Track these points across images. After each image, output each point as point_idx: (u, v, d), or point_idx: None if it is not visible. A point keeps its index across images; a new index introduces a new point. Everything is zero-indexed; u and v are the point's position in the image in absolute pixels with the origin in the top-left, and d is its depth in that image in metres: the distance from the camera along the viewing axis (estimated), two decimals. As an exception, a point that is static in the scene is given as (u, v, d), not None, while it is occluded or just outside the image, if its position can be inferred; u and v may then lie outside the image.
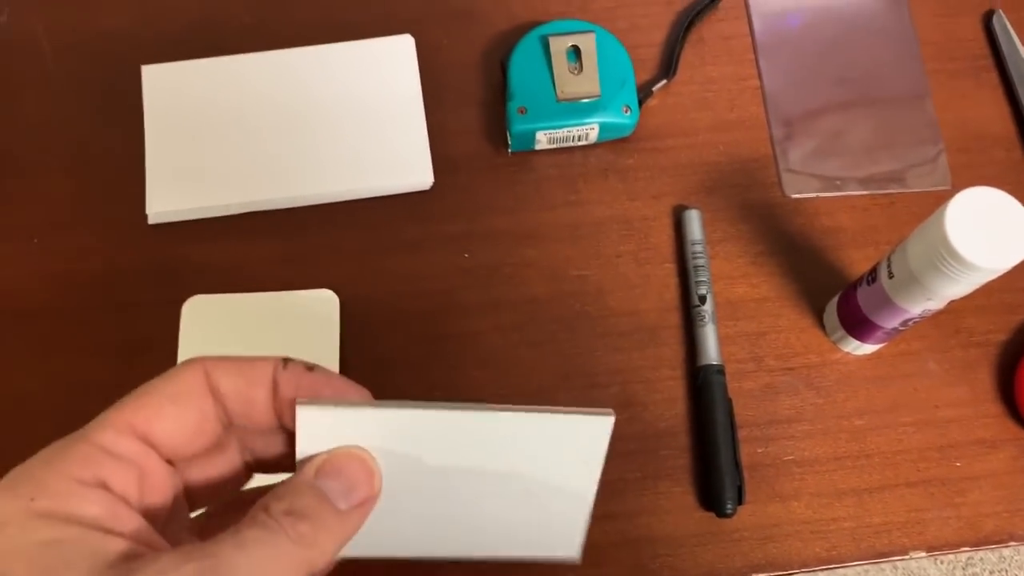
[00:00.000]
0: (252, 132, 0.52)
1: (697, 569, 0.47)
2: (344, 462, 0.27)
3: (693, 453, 0.49)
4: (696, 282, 0.51)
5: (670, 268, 0.52)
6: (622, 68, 0.53)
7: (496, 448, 0.31)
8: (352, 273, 0.51)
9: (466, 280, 0.52)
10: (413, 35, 0.56)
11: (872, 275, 0.45)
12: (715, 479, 0.47)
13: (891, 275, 0.43)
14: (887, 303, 0.44)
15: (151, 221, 0.51)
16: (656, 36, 0.57)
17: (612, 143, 0.55)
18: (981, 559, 1.38)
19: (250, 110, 0.53)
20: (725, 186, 0.54)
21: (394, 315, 0.51)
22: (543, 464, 0.32)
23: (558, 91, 0.52)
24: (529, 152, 0.54)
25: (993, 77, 0.57)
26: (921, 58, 0.57)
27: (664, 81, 0.55)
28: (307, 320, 0.48)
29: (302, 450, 0.28)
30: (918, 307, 0.43)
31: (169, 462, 0.27)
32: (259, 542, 0.24)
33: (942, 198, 0.53)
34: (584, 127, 0.52)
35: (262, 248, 0.52)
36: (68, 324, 0.50)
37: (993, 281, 0.51)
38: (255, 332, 0.48)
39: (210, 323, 0.49)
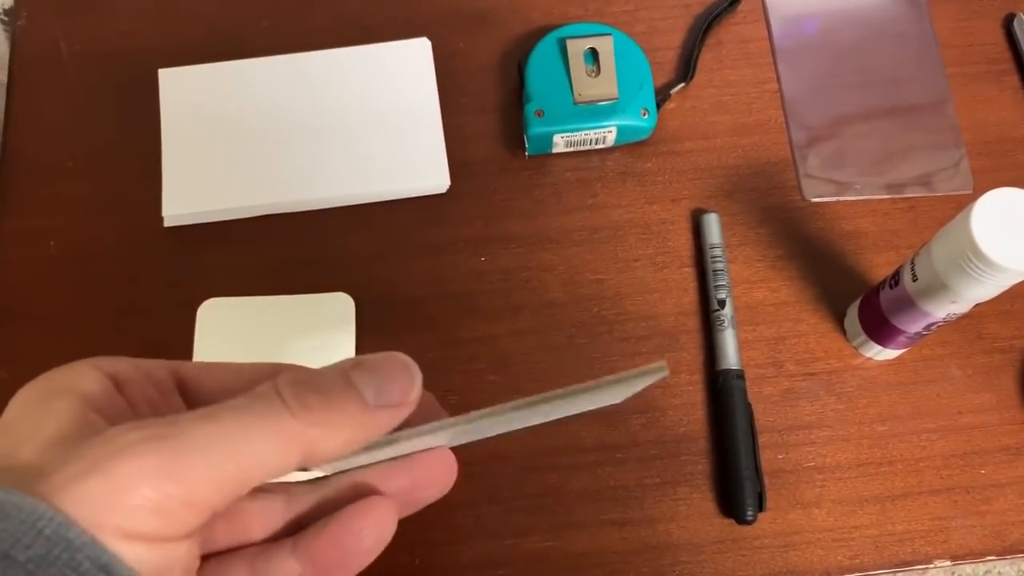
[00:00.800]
0: (268, 136, 0.52)
1: (717, 577, 0.46)
2: (384, 361, 0.25)
3: (713, 459, 0.48)
4: (715, 286, 0.50)
5: (689, 272, 0.52)
6: (640, 71, 0.53)
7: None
8: (368, 276, 0.51)
9: (483, 284, 0.51)
10: (430, 38, 0.56)
11: (895, 278, 0.44)
12: (735, 485, 0.46)
13: (915, 278, 0.42)
14: (910, 306, 0.43)
15: (167, 224, 0.51)
16: (674, 39, 0.57)
17: (630, 146, 0.54)
18: (1000, 573, 1.36)
19: (266, 114, 0.53)
20: (744, 190, 0.54)
21: (410, 319, 0.50)
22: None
23: (576, 94, 0.52)
24: (546, 156, 0.54)
25: (1014, 80, 0.57)
26: (942, 62, 0.56)
27: (682, 84, 0.55)
28: (323, 323, 0.48)
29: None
30: (942, 310, 0.42)
31: None
32: (240, 410, 0.22)
33: (964, 202, 0.53)
34: (602, 130, 0.52)
35: (278, 251, 0.52)
36: (85, 327, 0.50)
37: (1017, 286, 0.50)
38: (271, 335, 0.48)
39: (225, 326, 0.48)
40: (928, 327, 0.44)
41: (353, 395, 0.24)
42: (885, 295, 0.45)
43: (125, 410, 0.24)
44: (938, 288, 0.41)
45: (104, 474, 0.20)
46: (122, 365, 0.25)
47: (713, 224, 0.52)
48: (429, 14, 0.57)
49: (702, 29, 0.56)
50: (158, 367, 0.26)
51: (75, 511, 0.20)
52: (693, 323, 0.51)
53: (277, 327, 0.48)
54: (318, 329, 0.48)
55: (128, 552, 0.20)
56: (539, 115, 0.52)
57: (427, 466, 0.27)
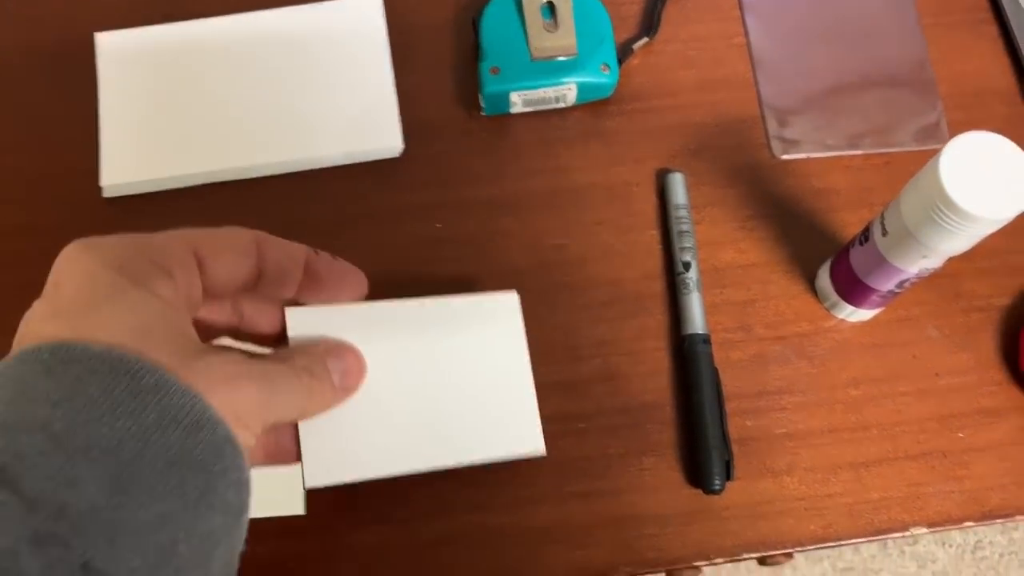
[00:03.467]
0: (211, 100, 0.50)
1: (684, 548, 0.45)
2: (345, 351, 0.35)
3: (679, 427, 0.46)
4: (680, 248, 0.48)
5: (654, 235, 0.50)
6: (600, 25, 0.50)
7: (435, 337, 0.41)
8: (318, 245, 0.49)
9: (439, 252, 0.49)
10: (381, -4, 0.53)
11: (865, 234, 0.42)
12: (702, 454, 0.44)
13: (885, 232, 0.40)
14: (881, 263, 0.41)
15: (106, 194, 0.49)
16: (635, -7, 0.54)
17: (592, 105, 0.52)
18: (991, 542, 1.35)
19: (209, 77, 0.50)
20: (711, 148, 0.51)
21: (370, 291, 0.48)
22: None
23: (532, 49, 0.49)
24: (505, 116, 0.52)
25: (992, 30, 0.54)
26: (917, 13, 0.54)
27: (645, 39, 0.52)
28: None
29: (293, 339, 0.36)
30: (914, 266, 0.40)
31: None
32: (287, 377, 0.31)
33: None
34: (561, 87, 0.50)
35: (224, 220, 0.49)
36: (19, 304, 0.47)
37: (995, 242, 0.48)
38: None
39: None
40: (901, 284, 0.42)
41: (328, 379, 0.34)
42: (855, 252, 0.43)
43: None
44: (909, 242, 0.39)
45: (228, 390, 0.28)
46: (167, 256, 0.29)
47: (678, 184, 0.50)
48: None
49: (666, -19, 0.54)
50: (184, 254, 0.30)
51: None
52: (659, 287, 0.49)
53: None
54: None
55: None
56: (494, 72, 0.49)
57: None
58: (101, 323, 0.27)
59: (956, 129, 0.52)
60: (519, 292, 0.47)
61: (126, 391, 0.25)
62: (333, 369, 0.34)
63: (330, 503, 0.45)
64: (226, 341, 0.35)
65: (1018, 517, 0.45)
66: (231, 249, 0.32)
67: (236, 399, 0.28)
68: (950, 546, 1.34)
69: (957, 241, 0.37)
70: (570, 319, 0.48)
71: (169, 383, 0.26)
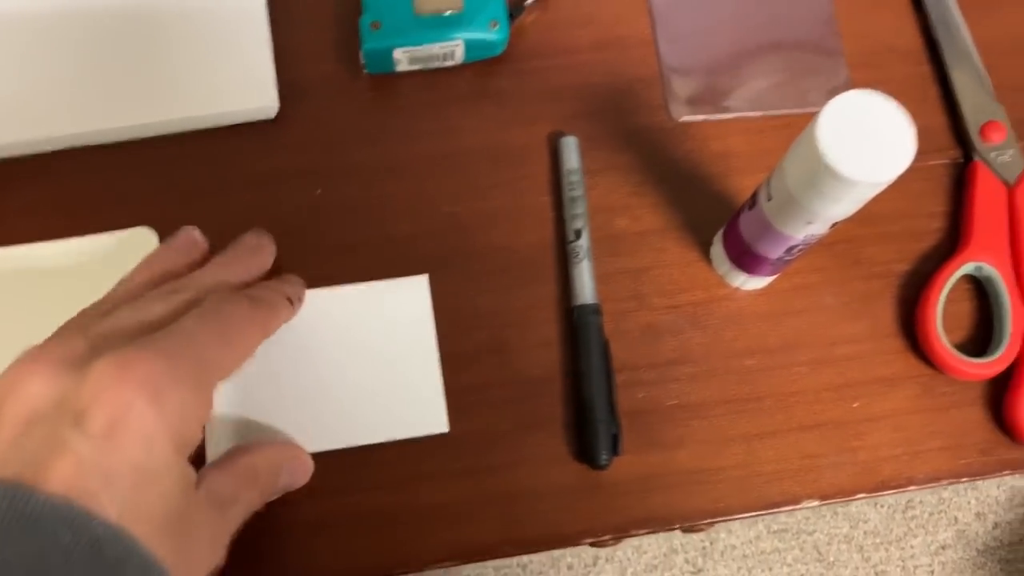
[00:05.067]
0: (56, 50, 0.46)
1: (573, 525, 0.43)
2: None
3: (569, 401, 0.44)
4: (572, 215, 0.46)
5: (547, 201, 0.48)
6: (489, -22, 0.48)
7: (345, 323, 0.44)
8: (186, 214, 0.46)
9: (319, 220, 0.46)
10: (260, -54, 0.50)
11: (753, 200, 0.40)
12: (589, 428, 0.43)
13: (770, 197, 0.38)
14: (768, 229, 0.39)
15: (-45, 159, 0.45)
16: (533, -55, 0.52)
17: (483, 64, 0.49)
18: (921, 501, 1.37)
19: (53, 26, 0.46)
20: (607, 110, 0.49)
21: (237, 259, 0.45)
22: (385, 332, 0.44)
23: (416, 3, 0.46)
24: (390, 75, 0.49)
25: (900, -14, 0.52)
26: (822, -34, 0.52)
27: (539, -6, 0.50)
28: (121, 262, 0.42)
29: None
30: (800, 232, 0.38)
31: None
32: (250, 499, 0.37)
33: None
34: (447, 44, 0.47)
35: (79, 189, 0.46)
36: None
37: (896, 206, 0.47)
38: (50, 284, 0.43)
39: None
40: (790, 251, 0.40)
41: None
42: (744, 218, 0.42)
43: None
44: (793, 207, 0.37)
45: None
46: None
47: (571, 148, 0.47)
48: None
49: (562, -67, 0.51)
50: None
51: None
52: (551, 256, 0.47)
53: (58, 274, 0.43)
54: (115, 270, 0.42)
55: None
56: (375, 27, 0.46)
57: None
58: (136, 507, 0.29)
59: (859, 87, 0.50)
60: (405, 261, 0.46)
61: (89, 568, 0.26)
62: (280, 483, 0.39)
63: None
64: None
65: (910, 488, 0.44)
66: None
67: (211, 564, 0.33)
68: (881, 506, 1.35)
69: (839, 206, 0.35)
70: (459, 288, 0.46)
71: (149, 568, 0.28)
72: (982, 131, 0.49)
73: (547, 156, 0.48)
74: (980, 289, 0.47)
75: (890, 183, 0.34)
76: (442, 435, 0.43)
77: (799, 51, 0.50)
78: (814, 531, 1.36)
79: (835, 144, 0.33)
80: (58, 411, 0.29)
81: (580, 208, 0.46)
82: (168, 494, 0.30)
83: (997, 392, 0.46)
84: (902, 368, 0.46)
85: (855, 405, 0.45)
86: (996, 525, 1.39)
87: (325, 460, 0.42)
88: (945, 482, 0.44)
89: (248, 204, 0.46)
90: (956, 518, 1.39)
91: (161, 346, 0.32)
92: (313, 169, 0.47)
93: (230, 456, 0.37)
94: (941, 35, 0.51)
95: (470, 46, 0.47)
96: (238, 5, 0.48)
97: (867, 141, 0.33)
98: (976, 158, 0.48)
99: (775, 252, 0.41)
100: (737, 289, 0.46)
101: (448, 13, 0.47)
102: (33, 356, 0.31)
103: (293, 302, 0.41)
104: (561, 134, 0.48)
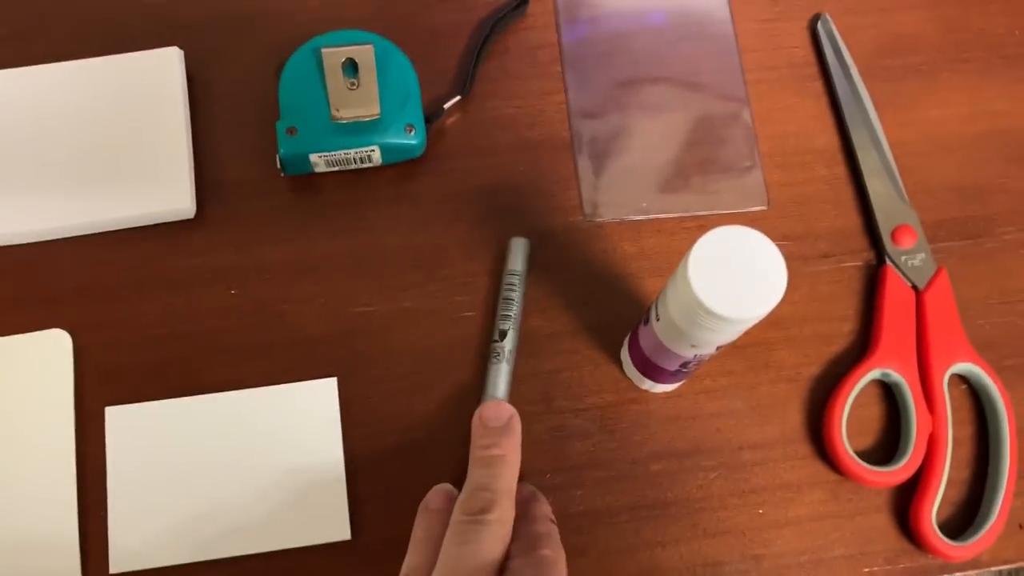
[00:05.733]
0: (-10, 159, 0.47)
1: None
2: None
3: (473, 507, 0.44)
4: (502, 315, 0.46)
5: (462, 301, 0.48)
6: (406, 84, 0.49)
7: (251, 427, 0.44)
8: (100, 315, 0.46)
9: (232, 320, 0.47)
10: (185, 46, 0.51)
11: (647, 315, 0.41)
12: (489, 538, 0.43)
13: (658, 318, 0.39)
14: (660, 346, 0.40)
15: None
16: (456, 48, 0.53)
17: (403, 165, 0.50)
18: None
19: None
20: (524, 211, 0.50)
21: (149, 362, 0.46)
22: (292, 436, 0.44)
23: (332, 110, 0.47)
24: (309, 175, 0.50)
25: (818, 86, 0.53)
26: (742, 68, 0.53)
27: (457, 97, 0.51)
28: (34, 365, 0.43)
29: (111, 448, 0.43)
30: (688, 352, 0.39)
31: None
32: None
33: (758, 218, 0.50)
34: (364, 149, 0.48)
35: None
36: None
37: (805, 310, 0.47)
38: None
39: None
40: (685, 365, 0.41)
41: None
42: (642, 331, 0.42)
43: None
44: (676, 332, 0.37)
45: None
46: None
47: (519, 249, 0.48)
48: (186, 18, 0.52)
49: (483, 36, 0.52)
50: None
51: None
52: (461, 357, 0.47)
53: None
54: (30, 372, 0.43)
55: None
56: (291, 134, 0.47)
57: None
58: None
59: (775, 189, 0.51)
60: (316, 362, 0.46)
61: None
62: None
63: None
64: None
65: (813, 597, 0.44)
66: None
67: None
68: None
69: (717, 335, 0.36)
70: (371, 390, 0.46)
71: None
72: (893, 235, 0.49)
73: (462, 256, 0.49)
74: (890, 393, 0.48)
75: (764, 317, 0.34)
76: (345, 542, 0.43)
77: (716, 153, 0.51)
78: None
79: (706, 281, 0.34)
80: None
81: (513, 310, 0.46)
82: None
83: (903, 499, 0.46)
84: (809, 474, 0.46)
85: (760, 511, 0.45)
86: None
87: (225, 568, 0.42)
88: (849, 591, 0.44)
89: (164, 305, 0.47)
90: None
91: None
92: (229, 269, 0.48)
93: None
94: (857, 137, 0.52)
95: (386, 150, 0.48)
96: (159, 108, 0.49)
97: (739, 277, 0.34)
98: (887, 262, 0.49)
99: (671, 365, 0.41)
100: (646, 392, 0.47)
101: (365, 119, 0.47)
102: None
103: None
104: (505, 235, 0.49)
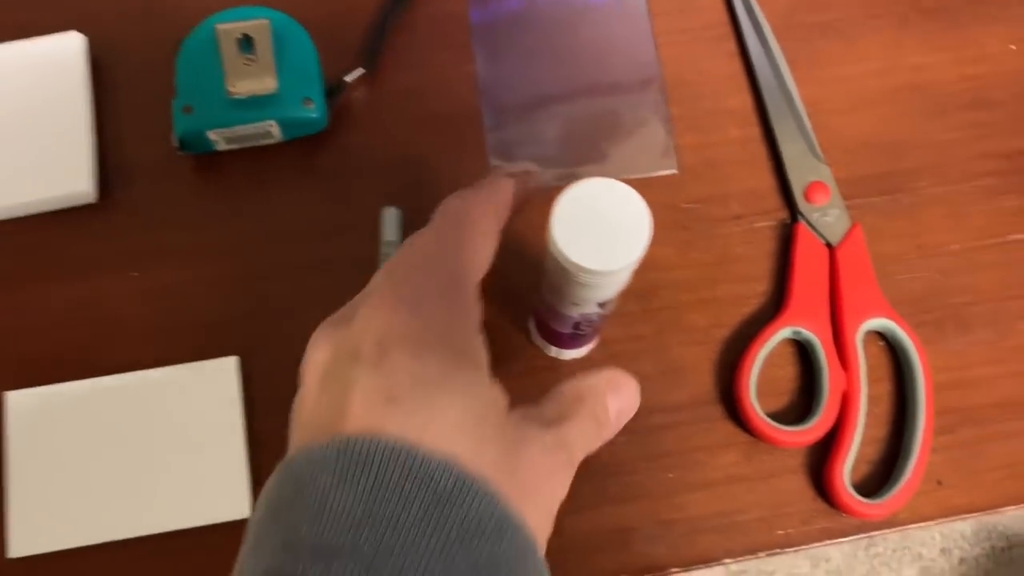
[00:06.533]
0: None
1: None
2: (622, 384, 0.34)
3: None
4: (385, 291, 0.46)
5: (367, 277, 0.47)
6: (305, 58, 0.48)
7: (149, 407, 0.44)
8: (2, 302, 0.46)
9: (134, 305, 0.47)
10: (90, 31, 0.50)
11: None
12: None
13: (544, 280, 0.38)
14: (549, 307, 0.39)
15: None
16: (362, 22, 0.52)
17: (307, 141, 0.50)
18: (884, 539, 1.35)
19: None
20: (433, 184, 0.49)
21: (52, 347, 0.46)
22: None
23: (228, 85, 0.47)
24: (211, 155, 0.49)
25: (731, 47, 0.53)
26: (652, 32, 0.52)
27: (360, 70, 0.50)
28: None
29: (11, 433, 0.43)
30: (573, 311, 0.38)
31: None
32: (587, 440, 0.31)
33: (671, 183, 0.49)
34: (262, 124, 0.47)
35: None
36: None
37: (721, 269, 0.47)
38: None
39: None
40: (578, 326, 0.40)
41: (609, 422, 0.33)
42: (536, 297, 0.41)
43: None
44: (556, 291, 0.37)
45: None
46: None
47: (392, 220, 0.47)
48: (92, 4, 0.52)
49: (387, 10, 0.51)
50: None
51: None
52: (369, 332, 0.46)
53: None
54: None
55: None
56: (187, 112, 0.47)
57: None
58: (431, 419, 0.27)
59: (688, 152, 0.50)
60: (220, 343, 0.46)
61: (425, 506, 0.25)
62: (611, 407, 0.33)
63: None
64: None
65: (726, 560, 0.44)
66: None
67: (554, 495, 0.30)
68: (843, 544, 1.33)
69: (591, 291, 0.35)
70: (275, 369, 0.46)
71: (475, 493, 0.26)
72: (806, 192, 0.49)
73: (370, 232, 0.48)
74: (805, 352, 0.47)
75: (631, 268, 0.33)
76: (246, 519, 0.43)
77: (627, 120, 0.50)
78: (774, 571, 1.34)
79: (570, 235, 0.33)
80: (338, 361, 0.29)
81: None
82: (464, 405, 0.28)
83: (818, 458, 0.45)
84: (721, 436, 0.45)
85: (671, 475, 0.45)
86: (962, 561, 1.37)
87: (127, 549, 0.42)
88: (763, 554, 0.44)
89: (66, 290, 0.47)
90: (920, 554, 1.37)
91: (410, 263, 0.32)
92: (131, 253, 0.47)
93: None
94: (769, 97, 0.51)
95: (285, 124, 0.48)
96: (61, 94, 0.48)
97: (603, 230, 0.33)
98: (799, 220, 0.48)
99: (564, 328, 0.41)
100: (556, 359, 0.46)
101: (262, 95, 0.47)
102: (315, 333, 0.32)
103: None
104: (384, 207, 0.48)
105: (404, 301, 0.30)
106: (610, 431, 0.33)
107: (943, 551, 1.37)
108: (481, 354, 0.31)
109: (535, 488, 0.29)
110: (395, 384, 0.27)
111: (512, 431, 0.29)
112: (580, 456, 0.31)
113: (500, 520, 0.26)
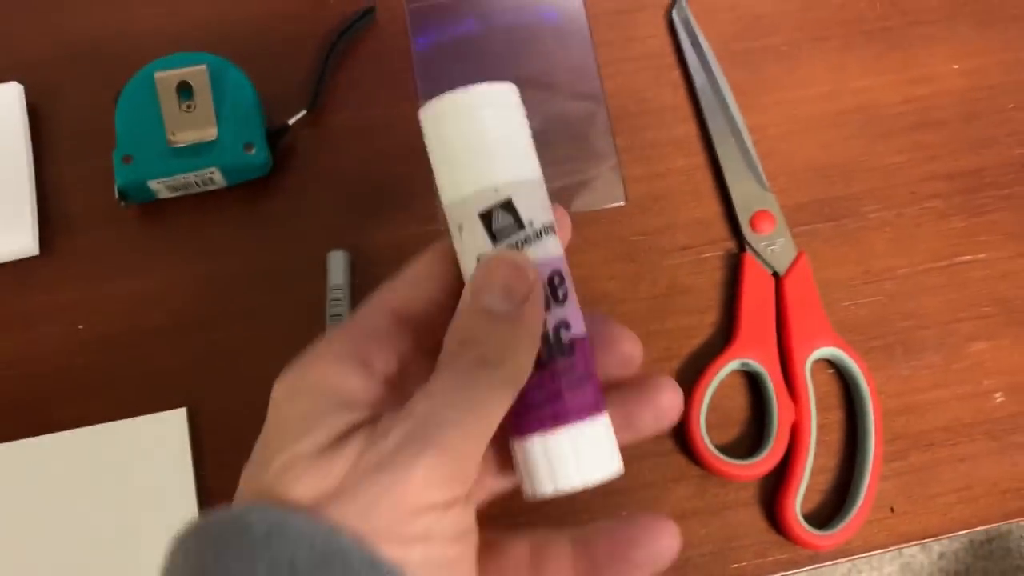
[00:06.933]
0: None
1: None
2: (490, 268, 0.27)
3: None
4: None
5: (315, 321, 0.47)
6: (245, 102, 0.48)
7: (96, 465, 0.43)
8: (-58, 360, 0.46)
9: (81, 356, 0.46)
10: (28, 80, 0.50)
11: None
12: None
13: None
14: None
15: None
16: (303, 63, 0.52)
17: (251, 185, 0.49)
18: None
19: None
20: (378, 224, 0.49)
21: (-4, 403, 0.45)
22: (140, 472, 0.43)
23: (168, 134, 0.46)
24: (155, 203, 0.49)
25: (675, 76, 0.53)
26: (596, 62, 0.52)
27: (303, 112, 0.50)
28: None
29: None
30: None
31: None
32: (448, 384, 0.25)
33: (618, 215, 0.49)
34: (203, 172, 0.47)
35: None
36: None
37: (670, 300, 0.47)
38: None
39: None
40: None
41: (496, 319, 0.26)
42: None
43: (377, 389, 0.27)
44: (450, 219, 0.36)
45: (389, 497, 0.24)
46: (359, 341, 0.28)
47: (338, 263, 0.47)
48: (29, 52, 0.51)
49: (328, 49, 0.51)
50: (381, 319, 0.28)
51: (359, 527, 0.23)
52: (318, 377, 0.46)
53: None
54: None
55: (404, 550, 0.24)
56: (127, 162, 0.46)
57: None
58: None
59: (634, 183, 0.50)
60: (167, 394, 0.45)
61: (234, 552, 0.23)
62: (493, 304, 0.26)
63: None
64: None
65: (680, 596, 0.44)
66: (416, 281, 0.29)
67: (416, 501, 0.24)
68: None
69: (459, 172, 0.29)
70: (223, 419, 0.46)
71: (289, 529, 0.23)
72: (751, 222, 0.49)
73: (317, 276, 0.48)
74: (755, 383, 0.47)
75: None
76: None
77: (571, 151, 0.50)
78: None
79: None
80: None
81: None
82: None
83: (769, 491, 0.45)
84: (673, 471, 0.45)
85: (623, 513, 0.44)
86: (941, 555, 1.37)
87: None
88: (717, 588, 0.44)
89: (11, 344, 0.46)
90: (901, 551, 1.38)
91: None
92: (75, 304, 0.47)
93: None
94: (714, 125, 0.51)
95: (227, 171, 0.47)
96: (2, 152, 0.48)
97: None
98: (746, 249, 0.48)
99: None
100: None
101: (203, 142, 0.47)
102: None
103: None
104: (331, 250, 0.48)
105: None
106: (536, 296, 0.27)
107: (923, 546, 1.38)
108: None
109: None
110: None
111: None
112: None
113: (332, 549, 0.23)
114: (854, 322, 0.48)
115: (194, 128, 0.46)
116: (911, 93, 0.53)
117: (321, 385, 0.27)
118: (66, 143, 0.50)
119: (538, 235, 0.28)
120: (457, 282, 0.29)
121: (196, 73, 0.47)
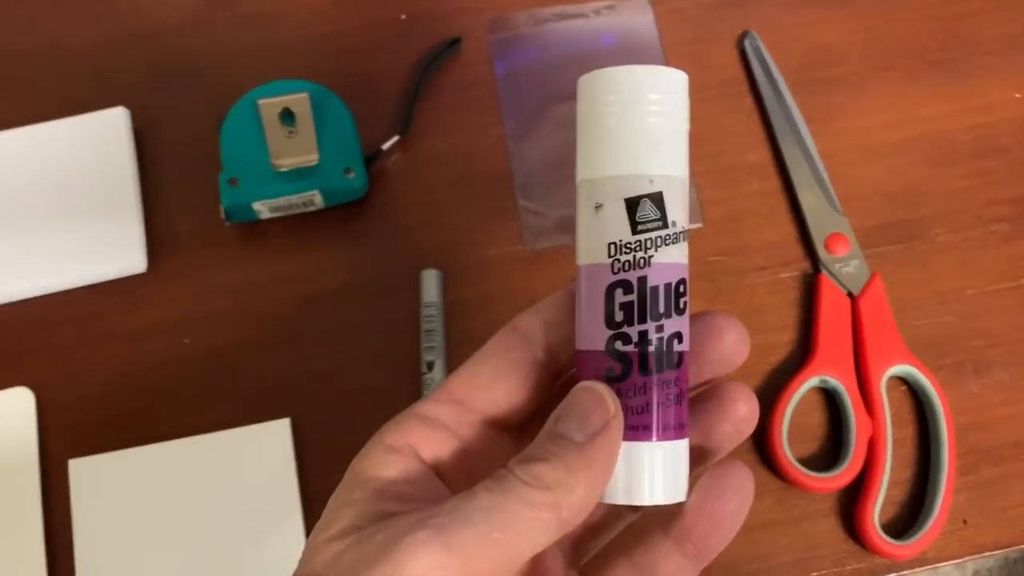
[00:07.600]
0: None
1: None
2: (575, 396, 0.26)
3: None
4: (426, 347, 0.48)
5: (412, 336, 0.49)
6: (343, 128, 0.50)
7: (204, 473, 0.45)
8: (61, 372, 0.48)
9: (187, 369, 0.49)
10: (132, 105, 0.53)
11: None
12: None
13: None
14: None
15: None
16: (392, 91, 0.54)
17: (346, 207, 0.52)
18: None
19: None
20: (466, 244, 0.51)
21: (109, 415, 0.47)
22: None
23: (272, 159, 0.49)
24: (255, 223, 0.51)
25: (748, 103, 0.55)
26: (671, 90, 0.54)
27: (396, 138, 0.52)
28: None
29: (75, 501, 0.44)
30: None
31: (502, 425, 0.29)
32: (491, 489, 0.25)
33: (696, 237, 0.51)
34: (305, 194, 0.49)
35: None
36: None
37: (748, 320, 0.48)
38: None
39: None
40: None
41: (566, 444, 0.25)
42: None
43: (428, 476, 0.27)
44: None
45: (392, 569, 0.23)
46: (413, 431, 0.28)
47: (431, 281, 0.49)
48: (132, 79, 0.54)
49: (418, 77, 0.54)
50: (443, 411, 0.28)
51: None
52: (413, 391, 0.48)
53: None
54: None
55: None
56: (233, 184, 0.49)
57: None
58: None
59: (711, 207, 0.52)
60: (270, 406, 0.47)
61: None
62: (567, 431, 0.25)
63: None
64: None
65: (765, 604, 0.45)
66: (489, 368, 0.29)
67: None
68: None
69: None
70: (325, 430, 0.48)
71: None
72: (826, 244, 0.51)
73: (409, 293, 0.50)
74: (831, 399, 0.49)
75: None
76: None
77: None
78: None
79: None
80: None
81: (434, 341, 0.48)
82: None
83: (848, 502, 0.47)
84: (756, 484, 0.47)
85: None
86: (976, 573, 1.38)
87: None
88: (798, 596, 0.45)
89: (121, 358, 0.48)
90: (937, 568, 1.38)
91: None
92: (181, 320, 0.49)
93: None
94: (787, 150, 0.53)
95: (327, 193, 0.50)
96: (108, 168, 0.50)
97: None
98: (822, 270, 0.50)
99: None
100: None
101: (305, 166, 0.49)
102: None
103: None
104: (424, 268, 0.50)
105: None
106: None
107: (958, 565, 1.38)
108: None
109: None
110: None
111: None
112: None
113: None
114: (926, 341, 0.50)
115: (297, 153, 0.49)
116: (974, 121, 0.55)
117: (361, 475, 0.27)
118: (170, 165, 0.52)
119: (676, 238, 0.27)
120: (525, 377, 0.29)
121: (298, 100, 0.49)
